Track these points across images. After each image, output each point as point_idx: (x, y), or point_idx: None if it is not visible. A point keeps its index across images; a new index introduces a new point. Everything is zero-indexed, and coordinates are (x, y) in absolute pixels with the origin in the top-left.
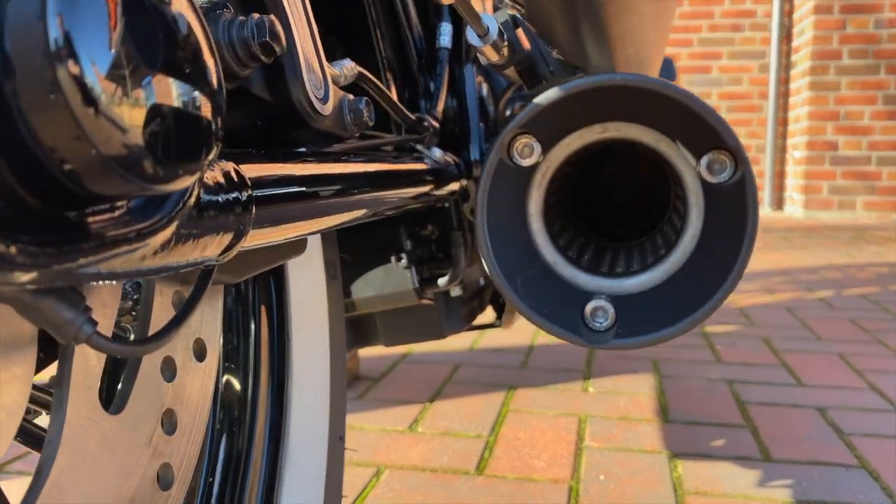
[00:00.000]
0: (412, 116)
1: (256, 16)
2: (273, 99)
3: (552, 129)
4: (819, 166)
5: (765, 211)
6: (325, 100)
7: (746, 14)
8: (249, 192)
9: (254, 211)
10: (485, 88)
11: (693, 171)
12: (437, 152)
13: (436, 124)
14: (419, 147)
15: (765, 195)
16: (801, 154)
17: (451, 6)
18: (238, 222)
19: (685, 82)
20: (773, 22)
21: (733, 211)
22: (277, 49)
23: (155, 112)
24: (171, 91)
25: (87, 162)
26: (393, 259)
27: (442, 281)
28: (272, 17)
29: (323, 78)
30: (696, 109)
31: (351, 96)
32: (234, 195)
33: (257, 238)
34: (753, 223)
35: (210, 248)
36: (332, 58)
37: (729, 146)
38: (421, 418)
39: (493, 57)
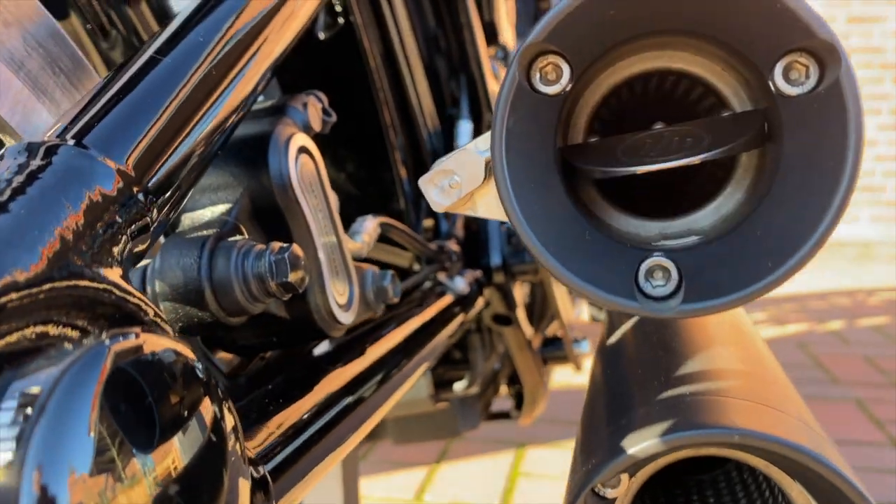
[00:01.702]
0: (433, 247)
1: (276, 246)
2: (290, 317)
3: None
4: None
5: None
6: (348, 305)
7: None
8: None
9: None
10: None
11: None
12: (460, 283)
13: (456, 248)
14: (442, 280)
15: None
16: None
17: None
18: None
19: None
20: None
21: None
22: (299, 287)
23: None
24: None
25: None
26: None
27: (459, 386)
28: (294, 249)
29: (348, 281)
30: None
31: (375, 270)
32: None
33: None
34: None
35: None
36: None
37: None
38: (428, 484)
39: None
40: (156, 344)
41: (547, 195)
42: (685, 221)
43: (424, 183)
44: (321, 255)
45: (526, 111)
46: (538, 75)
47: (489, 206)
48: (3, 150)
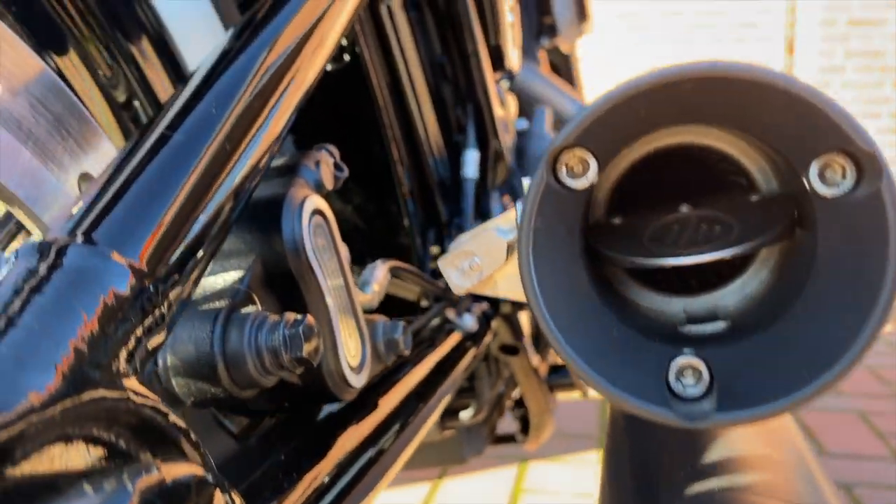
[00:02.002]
0: (441, 285)
1: (290, 318)
2: (302, 384)
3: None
4: None
5: None
6: (361, 367)
7: (750, 26)
8: None
9: None
10: None
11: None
12: (469, 320)
13: None
14: (451, 318)
15: None
16: None
17: None
18: None
19: None
20: (778, 34)
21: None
22: (313, 360)
23: None
24: None
25: None
26: None
27: (465, 415)
28: (308, 320)
29: (360, 339)
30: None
31: (385, 321)
32: None
33: None
34: None
35: None
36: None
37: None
38: (431, 500)
39: None
40: (176, 472)
41: (572, 285)
42: (710, 298)
43: (444, 265)
44: (334, 320)
45: (553, 207)
46: (564, 169)
47: (511, 287)
48: (14, 252)
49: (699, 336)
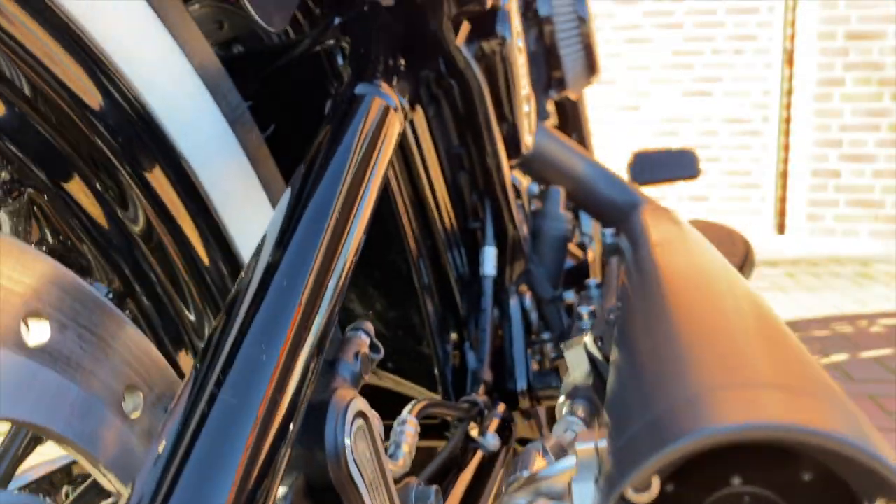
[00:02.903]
0: (464, 407)
1: None
2: None
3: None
4: (823, 194)
5: (767, 235)
6: None
7: (749, 38)
8: None
9: None
10: (531, 307)
11: None
12: (492, 440)
13: (485, 398)
14: (474, 438)
15: (768, 220)
16: (805, 181)
17: None
18: None
19: (686, 106)
20: (776, 46)
21: None
22: None
23: None
24: None
25: None
26: None
27: None
28: None
29: None
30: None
31: (418, 486)
32: None
33: None
34: None
35: None
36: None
37: None
38: None
39: None
40: None
41: None
42: None
43: None
44: None
45: None
46: (630, 491)
47: None
48: None
49: None
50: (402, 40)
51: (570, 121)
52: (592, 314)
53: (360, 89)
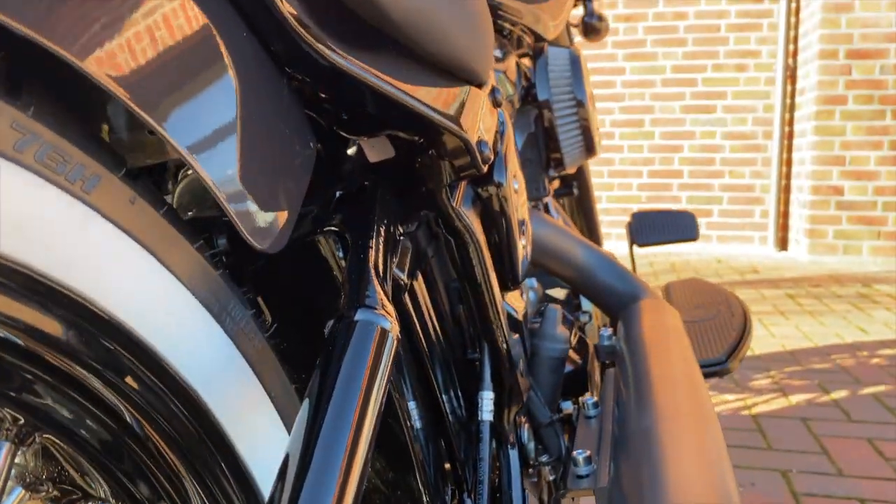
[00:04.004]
0: None
1: None
2: None
3: None
4: (824, 211)
5: (769, 251)
6: None
7: (751, 54)
8: None
9: None
10: (527, 439)
11: None
12: None
13: None
14: None
15: (769, 235)
16: (806, 198)
17: None
18: None
19: (689, 121)
20: (778, 63)
21: None
22: None
23: None
24: None
25: None
26: None
27: None
28: None
29: None
30: None
31: None
32: None
33: None
34: None
35: None
36: None
37: None
38: None
39: None
40: None
41: None
42: None
43: None
44: None
45: None
46: None
47: None
48: None
49: None
50: (400, 216)
51: (572, 182)
52: (588, 459)
53: (358, 315)
